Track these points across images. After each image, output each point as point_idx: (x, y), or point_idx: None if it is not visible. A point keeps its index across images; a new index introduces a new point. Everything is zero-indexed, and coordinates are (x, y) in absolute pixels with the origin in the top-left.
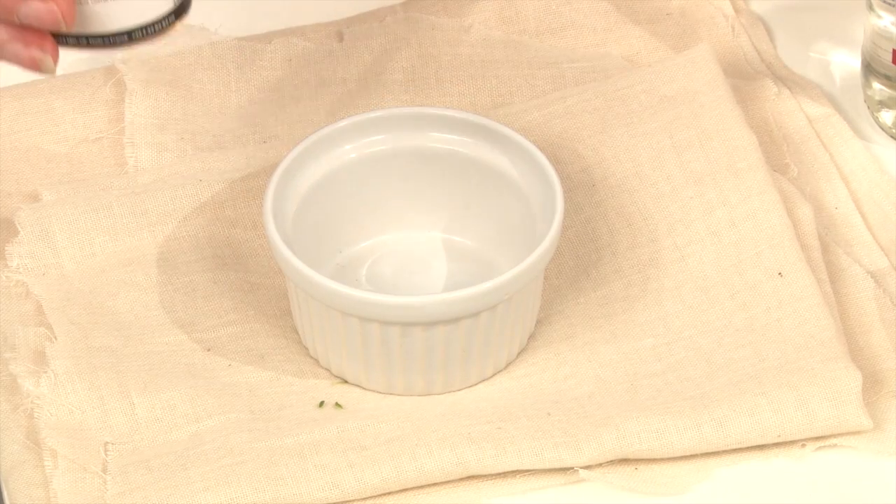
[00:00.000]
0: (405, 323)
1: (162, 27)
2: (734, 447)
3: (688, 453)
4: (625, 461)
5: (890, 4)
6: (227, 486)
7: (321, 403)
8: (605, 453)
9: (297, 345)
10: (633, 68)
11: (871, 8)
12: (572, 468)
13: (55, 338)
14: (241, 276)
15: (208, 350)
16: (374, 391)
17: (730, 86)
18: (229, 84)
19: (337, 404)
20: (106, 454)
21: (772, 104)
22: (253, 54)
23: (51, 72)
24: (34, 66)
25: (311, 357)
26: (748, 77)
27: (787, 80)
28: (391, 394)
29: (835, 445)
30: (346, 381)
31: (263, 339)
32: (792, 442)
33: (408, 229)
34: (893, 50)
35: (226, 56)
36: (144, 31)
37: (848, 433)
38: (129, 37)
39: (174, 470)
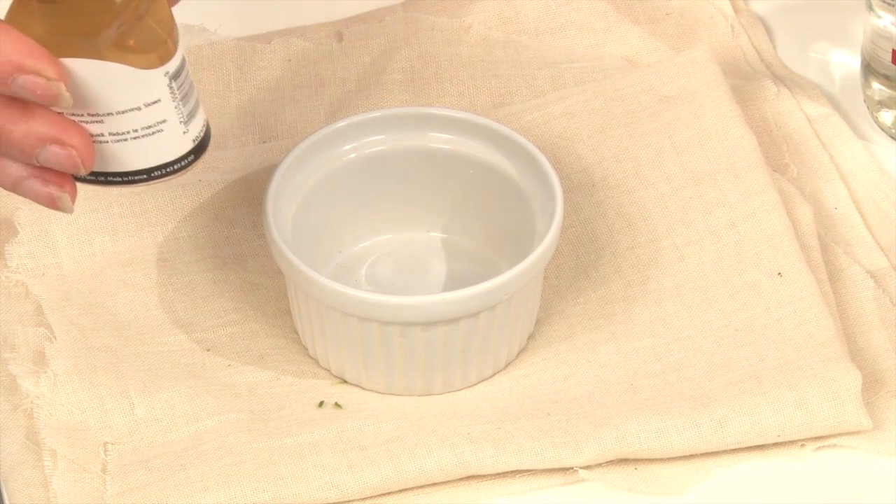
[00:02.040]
0: (404, 323)
1: (182, 167)
2: (734, 447)
3: (687, 453)
4: (624, 461)
5: (889, 4)
6: (227, 485)
7: (321, 403)
8: (604, 453)
9: (296, 345)
10: (632, 68)
11: (870, 8)
12: (572, 468)
13: (55, 338)
14: (240, 276)
15: (208, 350)
16: (373, 391)
17: (729, 86)
18: (229, 84)
19: (336, 404)
20: (105, 454)
21: (771, 104)
22: (253, 54)
23: (68, 211)
24: (52, 203)
25: (311, 357)
26: (748, 77)
27: (787, 80)
28: (391, 394)
29: (834, 445)
30: (345, 381)
31: (263, 339)
32: (791, 442)
33: (407, 229)
34: (893, 50)
35: (226, 56)
36: (164, 171)
37: (847, 433)
38: (148, 175)
39: (174, 470)
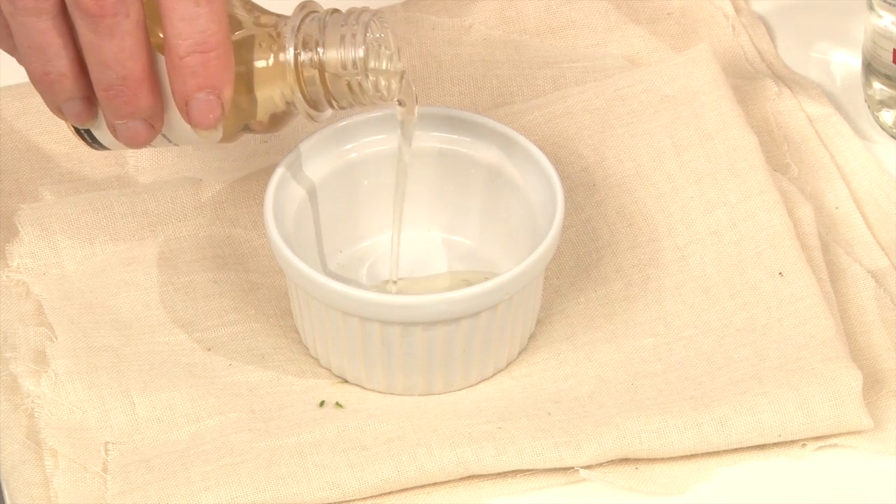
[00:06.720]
0: (405, 323)
1: None
2: (735, 447)
3: (688, 453)
4: (625, 461)
5: (890, 4)
6: (228, 485)
7: (322, 403)
8: (605, 453)
9: (297, 344)
10: (633, 68)
11: (871, 7)
12: (573, 468)
13: (55, 337)
14: (241, 275)
15: (209, 350)
16: (374, 391)
17: (730, 85)
18: None
19: (337, 404)
20: (106, 454)
21: (772, 104)
22: None
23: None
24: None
25: (312, 357)
26: (748, 77)
27: (788, 79)
28: (392, 393)
29: (835, 445)
30: (346, 381)
31: (264, 338)
32: (792, 442)
33: (408, 229)
34: (894, 49)
35: None
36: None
37: (848, 433)
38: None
39: (174, 469)
